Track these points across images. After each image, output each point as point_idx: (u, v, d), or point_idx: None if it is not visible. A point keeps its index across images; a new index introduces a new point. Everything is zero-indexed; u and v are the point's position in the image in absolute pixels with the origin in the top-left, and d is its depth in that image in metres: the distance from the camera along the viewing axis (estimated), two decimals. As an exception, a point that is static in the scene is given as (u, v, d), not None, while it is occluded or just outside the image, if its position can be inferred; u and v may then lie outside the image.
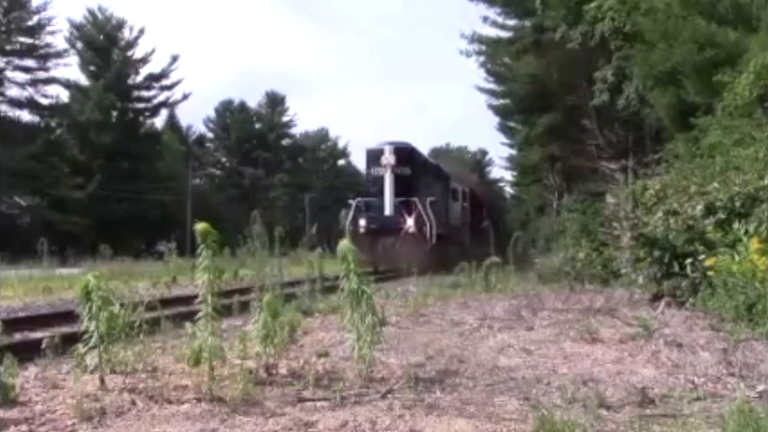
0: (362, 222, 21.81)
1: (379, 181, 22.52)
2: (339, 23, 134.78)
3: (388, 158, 22.21)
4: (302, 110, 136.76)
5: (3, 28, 43.40)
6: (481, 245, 31.76)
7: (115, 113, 49.94)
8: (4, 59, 43.91)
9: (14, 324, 7.62)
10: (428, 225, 21.49)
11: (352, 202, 23.01)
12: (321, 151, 76.49)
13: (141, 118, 53.32)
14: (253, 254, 9.95)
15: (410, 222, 21.57)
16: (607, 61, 20.04)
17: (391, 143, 22.86)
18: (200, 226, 4.14)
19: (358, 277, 4.44)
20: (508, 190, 70.58)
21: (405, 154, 22.82)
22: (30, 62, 45.04)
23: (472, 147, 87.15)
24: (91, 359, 4.19)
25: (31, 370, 4.80)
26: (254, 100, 72.72)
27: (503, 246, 22.53)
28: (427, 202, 21.88)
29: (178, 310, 7.48)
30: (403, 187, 22.02)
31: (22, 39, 44.61)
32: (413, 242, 20.81)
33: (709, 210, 8.66)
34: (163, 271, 17.38)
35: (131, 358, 4.55)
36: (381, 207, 22.28)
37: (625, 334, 6.33)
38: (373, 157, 23.25)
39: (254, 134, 68.22)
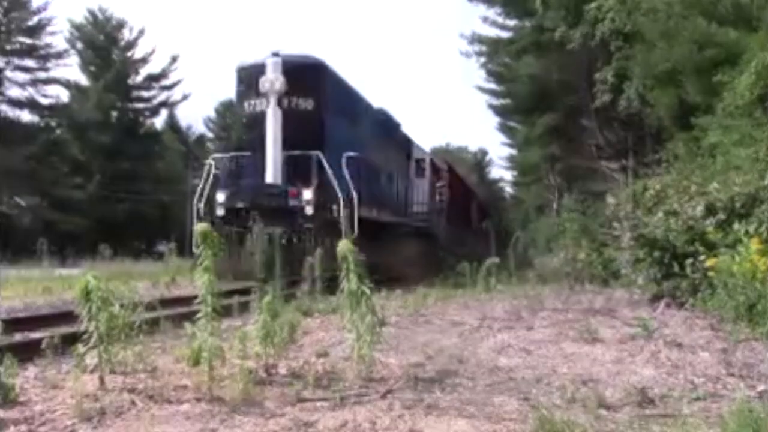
0: (220, 197, 12.61)
1: (257, 121, 12.91)
2: (338, 21, 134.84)
3: (273, 80, 12.51)
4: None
5: (3, 28, 43.38)
6: (469, 243, 26.00)
7: (115, 113, 49.92)
8: (4, 59, 43.88)
9: (14, 324, 7.61)
10: (341, 201, 12.12)
11: (208, 162, 13.57)
12: (321, 151, 76.33)
13: (141, 118, 53.30)
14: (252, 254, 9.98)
15: (307, 195, 12.13)
16: (608, 62, 20.03)
17: (278, 54, 12.83)
18: (200, 227, 4.14)
19: (357, 277, 4.44)
20: (508, 190, 70.68)
21: (304, 73, 13.18)
22: (30, 62, 45.02)
23: (472, 147, 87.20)
24: (91, 359, 4.19)
25: (31, 370, 4.80)
26: (254, 100, 72.52)
27: (503, 246, 22.23)
28: (344, 161, 12.82)
29: (178, 311, 7.48)
30: (298, 134, 12.46)
31: (22, 39, 44.59)
32: (314, 235, 12.00)
33: (710, 210, 8.66)
34: (162, 271, 17.37)
35: (131, 358, 4.55)
36: (257, 169, 12.69)
37: (624, 334, 6.33)
38: (248, 79, 13.47)
39: (254, 134, 68.17)
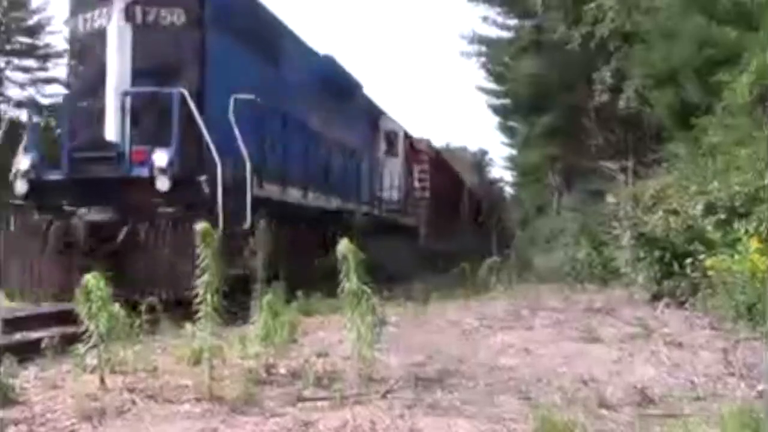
0: (24, 164, 8.24)
1: (93, 45, 8.54)
2: (337, 21, 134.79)
3: None
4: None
5: (3, 28, 43.40)
6: (460, 241, 23.31)
7: (115, 113, 49.95)
8: (4, 59, 43.90)
9: (14, 324, 7.60)
10: (219, 170, 7.59)
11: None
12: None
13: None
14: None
15: (160, 159, 7.67)
16: (607, 62, 20.04)
17: None
18: (200, 227, 4.13)
19: (358, 277, 4.43)
20: (509, 190, 70.78)
21: None
22: (30, 62, 45.04)
23: (472, 147, 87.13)
24: (91, 359, 4.19)
25: (31, 370, 4.80)
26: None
27: (502, 245, 21.93)
28: (231, 107, 8.22)
29: (178, 310, 7.46)
30: (159, 63, 8.39)
31: (22, 39, 44.62)
32: (172, 231, 7.45)
33: (709, 210, 8.67)
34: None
35: (131, 357, 4.55)
36: (88, 118, 8.41)
37: (625, 333, 6.34)
38: None
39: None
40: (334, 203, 11.97)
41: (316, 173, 11.14)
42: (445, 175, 23.25)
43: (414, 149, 18.85)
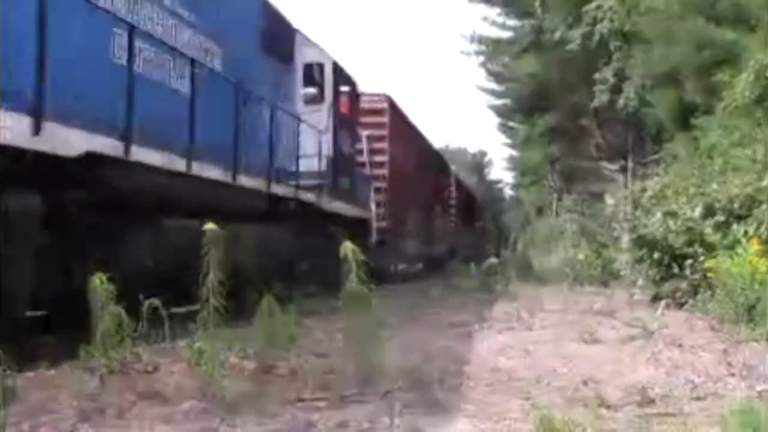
0: None
1: None
2: (336, 21, 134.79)
3: None
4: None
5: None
6: (443, 241, 21.04)
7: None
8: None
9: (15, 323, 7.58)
10: None
11: None
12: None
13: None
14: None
15: None
16: (607, 61, 20.03)
17: None
18: (208, 226, 4.12)
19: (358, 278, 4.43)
20: (508, 191, 70.91)
21: None
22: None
23: (472, 148, 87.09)
24: (92, 359, 4.19)
25: (32, 370, 4.79)
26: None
27: (501, 247, 21.90)
28: None
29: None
30: None
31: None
32: None
33: (708, 211, 8.68)
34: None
35: (131, 357, 4.54)
36: None
37: (624, 334, 6.35)
38: None
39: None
40: (165, 160, 6.63)
41: (99, 96, 5.71)
42: (418, 151, 17.16)
43: (358, 104, 12.40)
